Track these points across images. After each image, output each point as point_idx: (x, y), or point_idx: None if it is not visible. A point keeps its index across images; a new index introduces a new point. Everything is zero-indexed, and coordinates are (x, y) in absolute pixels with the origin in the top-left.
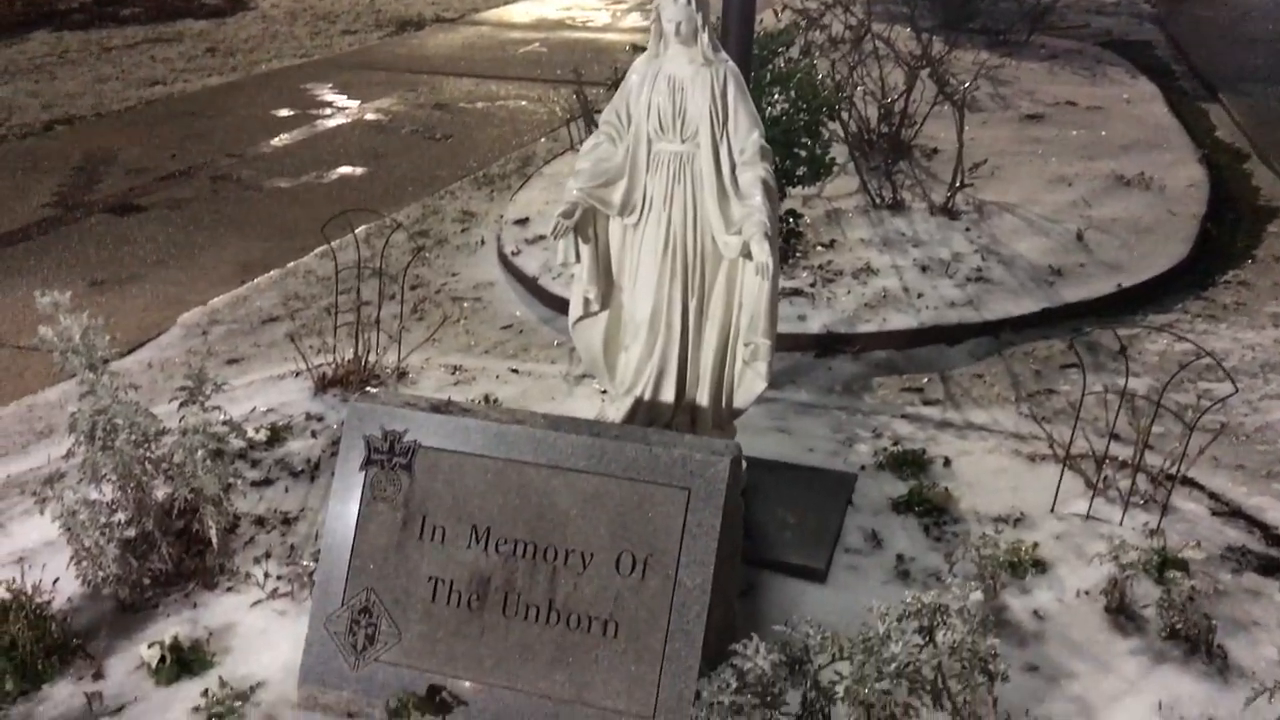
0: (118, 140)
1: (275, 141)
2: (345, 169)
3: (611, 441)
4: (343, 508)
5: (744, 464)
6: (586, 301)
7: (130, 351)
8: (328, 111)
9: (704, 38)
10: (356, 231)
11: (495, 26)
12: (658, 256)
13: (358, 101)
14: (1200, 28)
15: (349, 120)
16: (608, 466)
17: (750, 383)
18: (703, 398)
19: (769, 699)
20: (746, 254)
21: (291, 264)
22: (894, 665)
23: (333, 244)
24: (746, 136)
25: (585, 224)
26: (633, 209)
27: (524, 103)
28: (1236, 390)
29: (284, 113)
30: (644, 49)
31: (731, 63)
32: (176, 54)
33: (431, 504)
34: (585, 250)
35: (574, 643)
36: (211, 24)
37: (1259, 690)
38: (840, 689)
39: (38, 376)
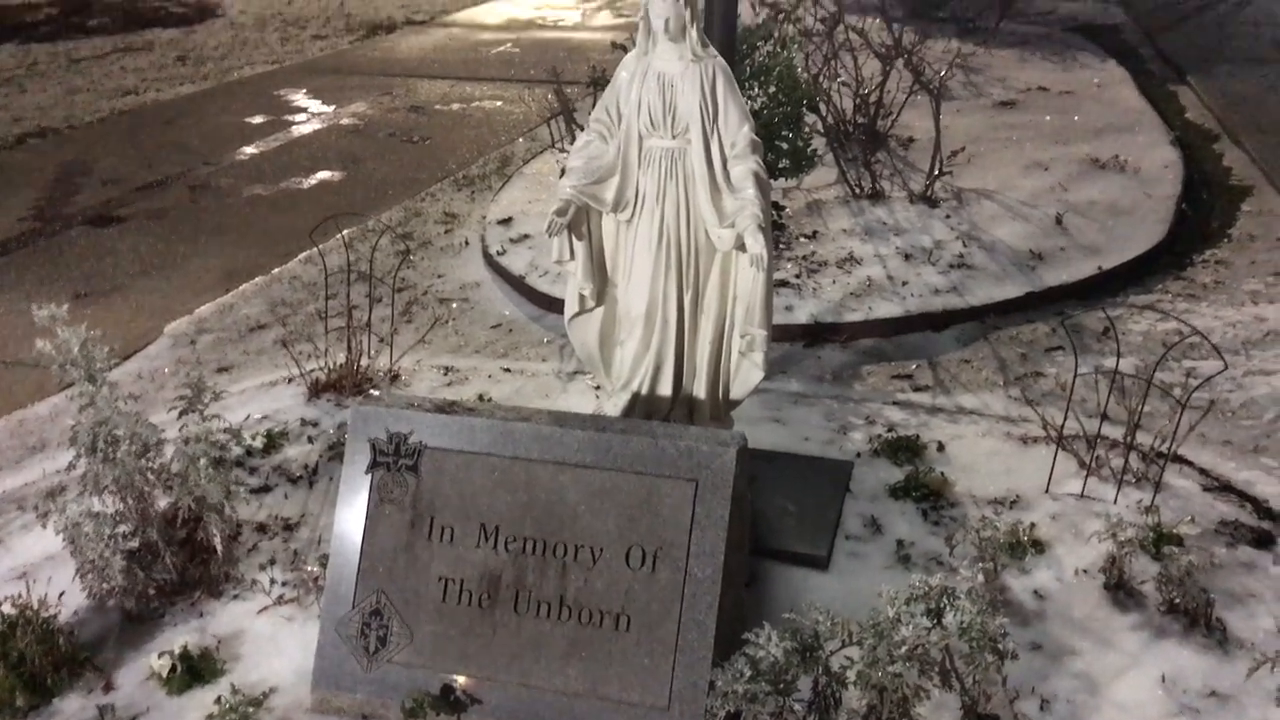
0: (92, 152)
1: (251, 148)
2: (324, 174)
3: (618, 436)
4: (350, 511)
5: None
6: (582, 298)
7: (119, 363)
8: (302, 117)
9: (692, 33)
10: (340, 235)
11: (466, 28)
12: (652, 252)
13: (332, 106)
14: (1164, 11)
15: (324, 125)
16: (615, 461)
17: (747, 373)
18: (700, 390)
19: (782, 686)
20: (740, 246)
21: (276, 270)
22: (904, 648)
23: (319, 248)
24: (737, 130)
25: (579, 221)
26: (625, 205)
27: (499, 103)
28: (1226, 367)
29: (258, 119)
30: (625, 47)
31: (720, 58)
32: (147, 63)
33: (439, 504)
34: (579, 247)
35: (586, 637)
36: (180, 32)
37: (1259, 661)
38: (851, 673)
39: (26, 391)
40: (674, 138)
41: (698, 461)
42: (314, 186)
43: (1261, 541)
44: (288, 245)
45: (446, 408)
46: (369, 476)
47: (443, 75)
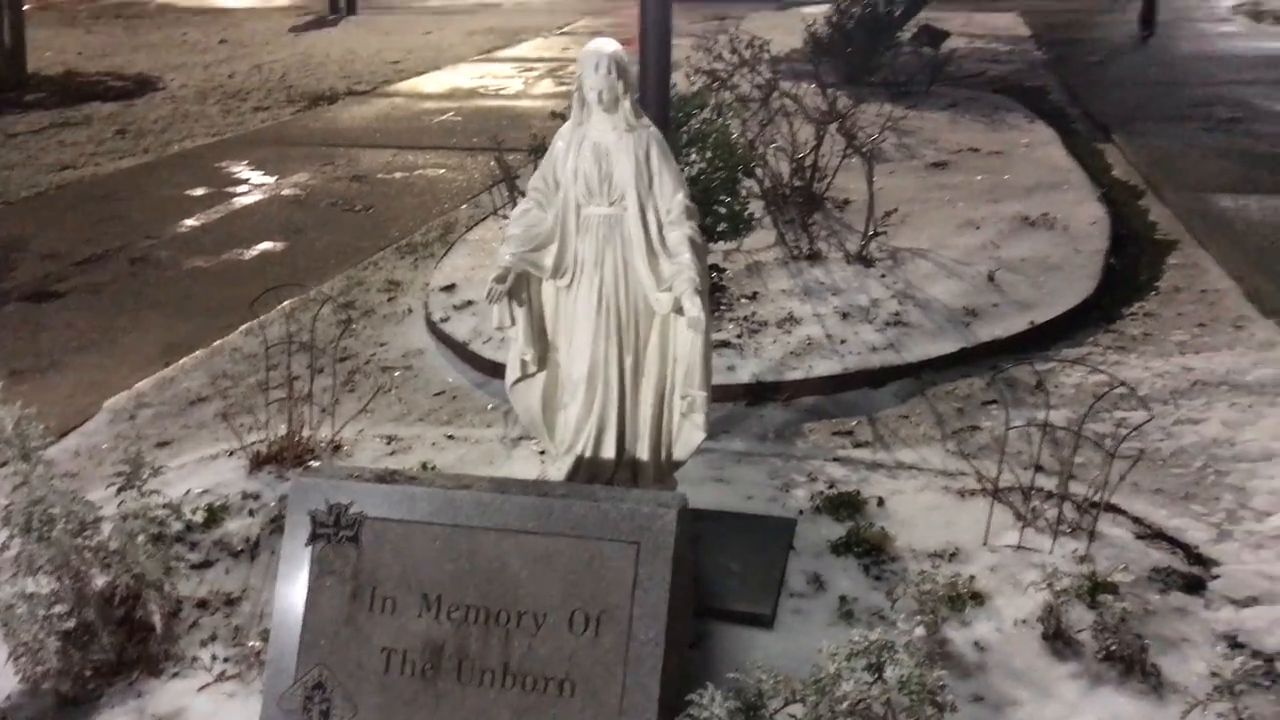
0: (29, 227)
1: (192, 221)
2: (265, 245)
3: (559, 500)
4: (291, 585)
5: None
6: (524, 363)
7: (56, 440)
8: (244, 189)
9: (625, 104)
10: (281, 306)
11: (408, 97)
12: (592, 316)
13: (274, 177)
14: (1089, 73)
15: (266, 196)
16: (556, 526)
17: (689, 434)
18: (643, 452)
19: None
20: (678, 309)
21: (217, 343)
22: (846, 704)
23: (260, 319)
24: (672, 197)
25: (519, 288)
26: (565, 271)
27: (442, 171)
28: (1152, 417)
29: (199, 192)
30: (564, 115)
31: (654, 127)
32: (85, 137)
33: (381, 575)
34: (520, 313)
35: (530, 705)
36: (120, 106)
37: (1192, 704)
38: None
39: None
40: (610, 205)
41: (639, 524)
42: (255, 257)
43: (1192, 587)
44: (229, 317)
45: (387, 477)
46: (309, 549)
47: (385, 144)
